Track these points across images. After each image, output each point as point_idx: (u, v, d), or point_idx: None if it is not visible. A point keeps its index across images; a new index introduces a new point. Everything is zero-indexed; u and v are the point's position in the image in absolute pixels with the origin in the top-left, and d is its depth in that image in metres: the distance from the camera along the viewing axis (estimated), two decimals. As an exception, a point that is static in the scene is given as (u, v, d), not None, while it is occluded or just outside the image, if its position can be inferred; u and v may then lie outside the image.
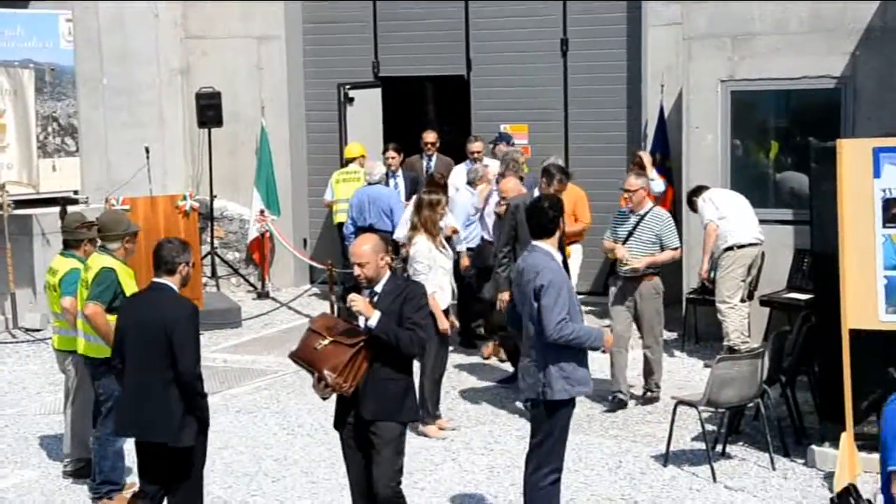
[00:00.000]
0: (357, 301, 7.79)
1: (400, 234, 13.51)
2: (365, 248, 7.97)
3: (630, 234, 11.91)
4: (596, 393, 11.25)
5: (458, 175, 15.51)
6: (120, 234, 9.99)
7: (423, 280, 10.66)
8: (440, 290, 11.19)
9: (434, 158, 16.63)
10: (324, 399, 7.97)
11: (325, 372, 7.68)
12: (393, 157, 16.22)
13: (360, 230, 14.01)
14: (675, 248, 11.96)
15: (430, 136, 16.69)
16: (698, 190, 13.82)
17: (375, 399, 7.88)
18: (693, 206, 13.84)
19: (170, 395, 7.98)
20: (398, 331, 7.79)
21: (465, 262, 13.78)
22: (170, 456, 8.08)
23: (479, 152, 15.58)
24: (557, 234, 8.86)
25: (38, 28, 16.48)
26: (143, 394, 8.10)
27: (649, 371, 12.05)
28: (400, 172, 16.27)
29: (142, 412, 8.11)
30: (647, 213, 11.95)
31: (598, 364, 11.65)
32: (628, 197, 12.00)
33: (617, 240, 12.04)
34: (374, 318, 7.74)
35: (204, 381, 8.11)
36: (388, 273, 8.05)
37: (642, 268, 11.86)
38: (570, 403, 8.55)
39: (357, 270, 7.95)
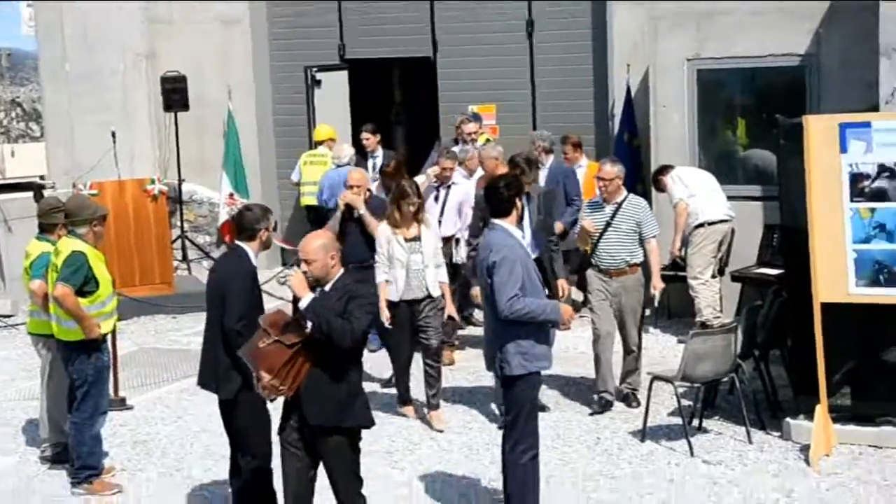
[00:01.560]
0: (293, 278, 7.50)
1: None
2: (314, 245, 7.60)
3: (608, 224, 11.32)
4: (582, 395, 11.47)
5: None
6: (86, 218, 9.91)
7: (379, 268, 10.98)
8: (391, 283, 10.99)
9: (379, 155, 16.21)
10: (269, 401, 7.78)
11: (262, 372, 7.42)
12: (369, 139, 16.13)
13: (331, 211, 13.89)
14: (655, 237, 11.49)
15: (368, 137, 16.37)
16: (664, 169, 13.91)
17: (319, 402, 7.55)
18: (659, 186, 13.93)
19: (218, 348, 8.32)
20: (331, 318, 7.39)
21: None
22: (223, 410, 8.48)
23: (474, 132, 15.09)
24: (515, 213, 8.84)
25: (-3, 14, 16.61)
26: (205, 346, 8.60)
27: (628, 372, 11.65)
28: (379, 152, 16.14)
29: (202, 363, 8.64)
30: (624, 200, 11.38)
31: (586, 368, 11.88)
32: (604, 186, 11.38)
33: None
34: (306, 299, 7.43)
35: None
36: (339, 272, 7.65)
37: (660, 286, 11.60)
38: (531, 379, 8.54)
39: (304, 267, 7.56)
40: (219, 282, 8.43)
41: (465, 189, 13.29)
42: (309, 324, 7.39)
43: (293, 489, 7.70)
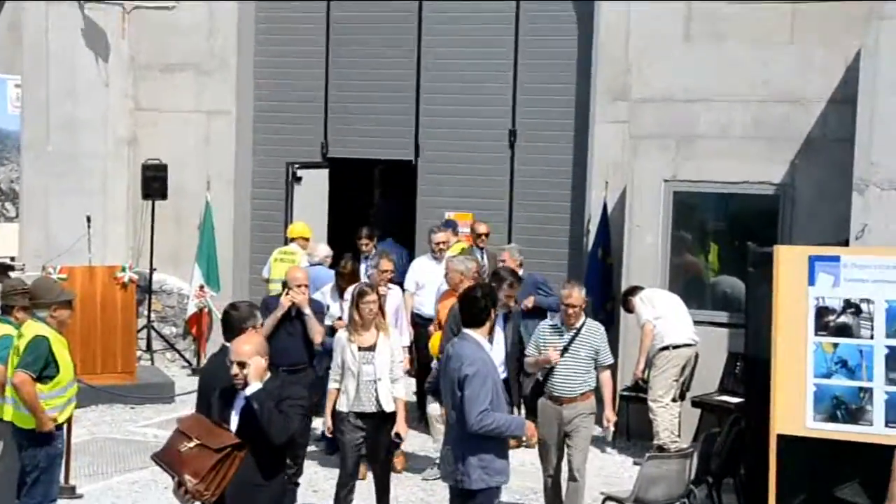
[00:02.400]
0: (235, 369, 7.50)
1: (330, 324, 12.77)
2: (247, 348, 7.54)
3: (565, 349, 10.88)
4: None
5: (421, 270, 14.83)
6: (48, 301, 9.92)
7: (332, 374, 10.67)
8: (342, 392, 10.59)
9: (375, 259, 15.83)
10: None
11: (186, 477, 7.24)
12: (367, 244, 15.77)
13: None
14: (609, 366, 11.15)
15: (366, 242, 15.95)
16: (633, 290, 13.87)
17: None
18: (627, 306, 13.89)
19: None
20: (273, 410, 7.37)
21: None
22: None
23: (443, 242, 14.82)
24: (488, 324, 8.89)
25: (-17, 91, 16.68)
26: None
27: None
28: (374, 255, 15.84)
29: None
30: (583, 325, 11.00)
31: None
32: (573, 312, 10.93)
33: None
34: (254, 386, 7.38)
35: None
36: (267, 375, 7.57)
37: (613, 419, 11.42)
38: (490, 493, 8.59)
39: (235, 370, 7.46)
40: (207, 382, 8.34)
41: (397, 295, 13.35)
42: (235, 425, 7.42)
43: None
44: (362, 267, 15.31)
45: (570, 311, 10.85)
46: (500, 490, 8.74)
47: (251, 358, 7.46)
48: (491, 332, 9.48)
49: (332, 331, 12.08)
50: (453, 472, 8.61)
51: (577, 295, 10.91)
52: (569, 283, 11.44)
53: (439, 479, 11.57)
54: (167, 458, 7.40)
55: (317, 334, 11.45)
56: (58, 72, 17.57)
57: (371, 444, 10.65)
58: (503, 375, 10.84)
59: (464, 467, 8.50)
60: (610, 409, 11.16)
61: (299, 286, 11.51)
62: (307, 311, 11.54)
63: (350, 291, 11.69)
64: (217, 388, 7.82)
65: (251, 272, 18.36)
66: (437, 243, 14.56)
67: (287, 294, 11.46)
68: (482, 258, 15.11)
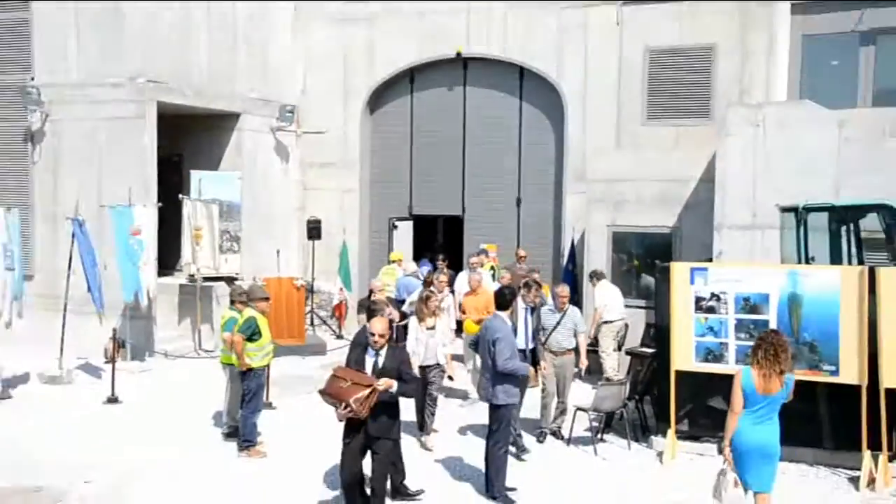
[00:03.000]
0: (385, 382, 7.30)
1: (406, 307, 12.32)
2: (379, 326, 7.51)
3: (557, 324, 10.57)
4: (529, 428, 10.73)
5: (463, 280, 13.90)
6: (255, 297, 10.01)
7: (409, 345, 10.17)
8: (415, 355, 10.03)
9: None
10: (340, 420, 7.43)
11: (352, 401, 7.09)
12: (441, 265, 15.13)
13: (401, 301, 13.49)
14: (584, 332, 10.86)
15: (441, 264, 15.06)
16: (597, 273, 13.53)
17: (378, 422, 7.41)
18: (592, 281, 13.52)
19: None
20: (406, 388, 7.40)
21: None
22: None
23: (477, 262, 13.73)
24: (510, 308, 8.85)
25: (223, 182, 16.60)
26: None
27: (561, 413, 10.85)
28: (445, 272, 14.59)
29: None
30: (568, 309, 10.65)
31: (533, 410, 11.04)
32: (562, 300, 10.59)
33: (546, 327, 10.56)
34: (395, 386, 7.34)
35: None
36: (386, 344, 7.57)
37: (585, 363, 10.92)
38: (508, 407, 8.48)
39: (377, 338, 7.47)
40: (356, 342, 8.15)
41: (450, 296, 12.84)
42: (382, 382, 7.29)
43: (349, 469, 7.53)
44: (436, 276, 14.83)
45: (561, 300, 10.64)
46: (514, 406, 8.58)
47: (383, 332, 7.53)
48: (512, 314, 9.16)
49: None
50: (487, 394, 8.48)
51: (566, 291, 10.76)
52: (561, 284, 11.35)
53: (470, 405, 11.63)
54: (331, 391, 7.30)
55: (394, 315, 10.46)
56: (261, 169, 17.64)
57: (431, 382, 10.40)
58: (531, 346, 10.45)
59: (493, 391, 8.39)
60: (584, 357, 10.84)
61: (380, 290, 10.48)
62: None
63: (419, 293, 11.39)
64: (361, 345, 7.74)
65: (369, 278, 17.84)
66: (472, 263, 13.79)
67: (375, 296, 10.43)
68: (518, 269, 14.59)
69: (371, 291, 10.46)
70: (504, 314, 8.71)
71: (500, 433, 8.49)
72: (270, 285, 15.27)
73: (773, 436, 7.06)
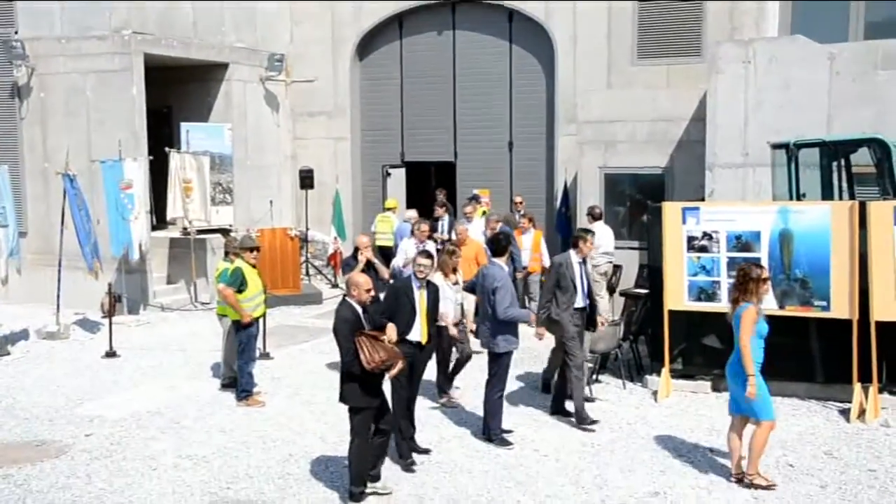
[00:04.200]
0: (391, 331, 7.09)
1: (398, 261, 11.31)
2: (362, 281, 7.01)
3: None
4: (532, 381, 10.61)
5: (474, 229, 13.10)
6: (246, 247, 9.93)
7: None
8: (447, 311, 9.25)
9: (445, 220, 14.90)
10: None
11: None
12: (438, 210, 14.97)
13: (393, 248, 13.48)
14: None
15: (438, 210, 14.93)
16: (594, 214, 13.24)
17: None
18: (588, 219, 13.27)
19: None
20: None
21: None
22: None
23: (470, 212, 13.77)
24: (507, 255, 8.71)
25: (213, 133, 16.54)
26: None
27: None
28: (445, 218, 14.90)
29: None
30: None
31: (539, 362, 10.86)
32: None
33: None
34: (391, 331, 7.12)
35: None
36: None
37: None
38: (508, 354, 8.44)
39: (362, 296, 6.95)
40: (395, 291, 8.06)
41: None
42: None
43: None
44: (438, 224, 14.77)
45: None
46: (511, 353, 8.47)
47: (368, 287, 7.01)
48: (509, 260, 9.03)
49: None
50: (488, 342, 8.40)
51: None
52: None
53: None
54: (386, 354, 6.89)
55: (385, 273, 10.11)
56: (251, 120, 17.53)
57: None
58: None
59: (493, 339, 8.33)
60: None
61: (366, 247, 9.99)
62: (375, 261, 10.03)
63: (433, 245, 10.94)
64: (351, 321, 6.98)
65: (364, 227, 18.11)
66: (466, 213, 13.90)
67: (361, 254, 9.88)
68: (517, 217, 14.29)
69: (356, 249, 9.97)
70: (501, 260, 8.64)
71: (498, 379, 8.49)
72: (264, 236, 15.41)
73: (732, 360, 7.29)
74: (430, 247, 11.35)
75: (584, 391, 9.15)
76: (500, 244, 8.73)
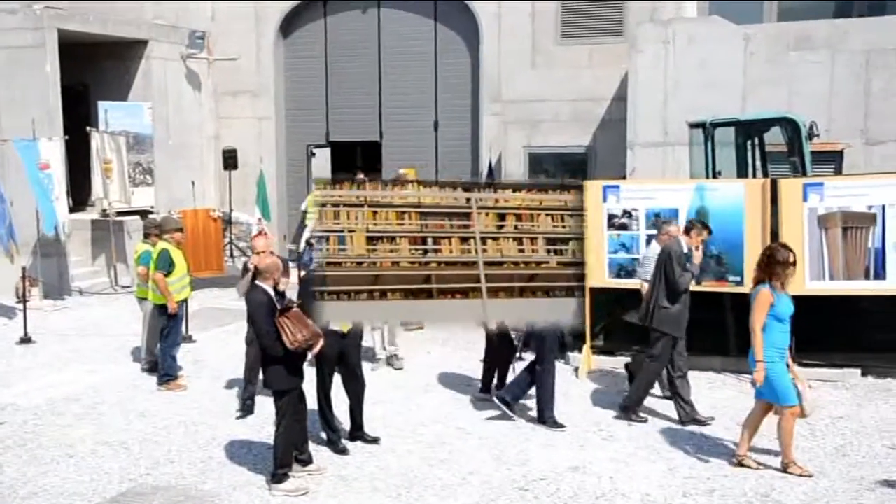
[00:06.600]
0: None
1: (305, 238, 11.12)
2: (269, 261, 7.02)
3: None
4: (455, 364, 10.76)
5: None
6: (168, 229, 9.85)
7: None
8: None
9: None
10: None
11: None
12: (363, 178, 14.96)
13: None
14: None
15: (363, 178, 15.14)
16: None
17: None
18: None
19: None
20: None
21: None
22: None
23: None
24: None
25: (132, 112, 16.24)
26: None
27: None
28: None
29: None
30: None
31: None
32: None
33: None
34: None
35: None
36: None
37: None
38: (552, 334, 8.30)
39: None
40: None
41: None
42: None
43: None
44: None
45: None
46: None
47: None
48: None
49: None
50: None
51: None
52: None
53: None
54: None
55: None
56: (172, 99, 17.29)
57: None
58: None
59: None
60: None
61: (262, 252, 8.91)
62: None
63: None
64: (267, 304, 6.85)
65: (289, 209, 18.26)
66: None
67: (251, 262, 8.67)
68: None
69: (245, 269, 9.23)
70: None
71: (547, 355, 8.26)
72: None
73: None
74: None
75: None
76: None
